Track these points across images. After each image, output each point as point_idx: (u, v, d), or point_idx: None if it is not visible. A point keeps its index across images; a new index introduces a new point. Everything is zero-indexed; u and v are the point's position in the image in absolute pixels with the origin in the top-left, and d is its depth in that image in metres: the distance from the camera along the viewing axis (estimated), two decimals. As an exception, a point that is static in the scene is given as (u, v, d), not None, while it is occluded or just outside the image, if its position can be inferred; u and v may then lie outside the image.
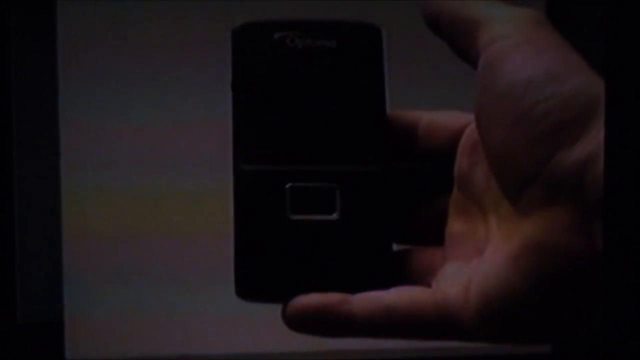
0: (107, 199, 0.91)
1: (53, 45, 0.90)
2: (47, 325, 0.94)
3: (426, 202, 0.39)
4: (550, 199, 0.32)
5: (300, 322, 0.36)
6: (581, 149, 0.31)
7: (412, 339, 0.36)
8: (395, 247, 0.38)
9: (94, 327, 0.91)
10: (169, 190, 0.92)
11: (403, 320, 0.35)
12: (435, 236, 0.38)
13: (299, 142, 0.38)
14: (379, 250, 0.38)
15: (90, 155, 0.91)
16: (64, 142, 0.91)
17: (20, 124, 0.96)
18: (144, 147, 0.91)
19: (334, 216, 0.38)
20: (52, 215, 0.93)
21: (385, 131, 0.39)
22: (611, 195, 0.24)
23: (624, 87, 0.24)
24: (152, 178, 0.91)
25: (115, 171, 0.91)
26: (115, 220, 0.91)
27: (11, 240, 0.95)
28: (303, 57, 0.39)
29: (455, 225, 0.37)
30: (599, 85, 0.32)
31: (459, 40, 0.36)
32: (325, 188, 0.38)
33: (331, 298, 0.36)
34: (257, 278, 0.37)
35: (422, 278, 0.37)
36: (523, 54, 0.33)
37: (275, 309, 0.37)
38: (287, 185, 0.38)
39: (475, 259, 0.36)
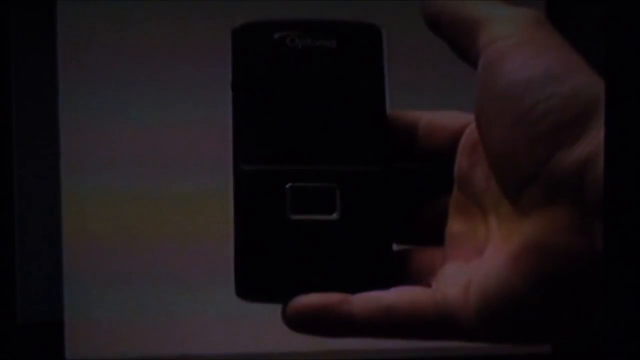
0: (107, 198, 0.91)
1: (53, 45, 0.90)
2: (47, 325, 0.94)
3: (426, 202, 0.39)
4: (550, 199, 0.32)
5: (300, 322, 0.36)
6: (581, 149, 0.31)
7: (412, 339, 0.36)
8: (395, 247, 0.38)
9: (94, 327, 0.91)
10: (168, 190, 0.92)
11: (403, 320, 0.35)
12: (435, 236, 0.38)
13: (298, 142, 0.38)
14: (379, 250, 0.38)
15: (90, 155, 0.91)
16: (64, 142, 0.91)
17: (20, 124, 0.96)
18: (143, 146, 0.91)
19: (334, 216, 0.38)
20: (52, 215, 0.93)
21: (385, 131, 0.39)
22: (611, 195, 0.24)
23: (624, 87, 0.24)
24: (152, 178, 0.91)
25: (115, 171, 0.91)
26: (115, 220, 0.91)
27: (11, 240, 0.95)
28: (303, 57, 0.39)
29: (455, 225, 0.37)
30: (599, 85, 0.32)
31: (459, 40, 0.36)
32: (325, 188, 0.38)
33: (331, 298, 0.36)
34: (257, 278, 0.37)
35: (422, 278, 0.37)
36: (523, 54, 0.33)
37: (275, 309, 0.37)
38: (287, 185, 0.38)
39: (475, 259, 0.36)
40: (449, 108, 0.39)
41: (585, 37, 0.51)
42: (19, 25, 0.95)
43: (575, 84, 0.32)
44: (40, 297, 0.96)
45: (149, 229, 0.91)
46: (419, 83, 0.90)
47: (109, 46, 0.91)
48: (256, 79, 0.38)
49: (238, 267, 0.37)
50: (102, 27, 0.91)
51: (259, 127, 0.38)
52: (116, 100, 0.91)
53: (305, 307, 0.36)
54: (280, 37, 0.39)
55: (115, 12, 0.91)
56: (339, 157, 0.38)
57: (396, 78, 0.40)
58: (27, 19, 0.95)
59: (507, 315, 0.33)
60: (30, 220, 0.96)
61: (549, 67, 0.33)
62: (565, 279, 0.32)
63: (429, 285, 0.37)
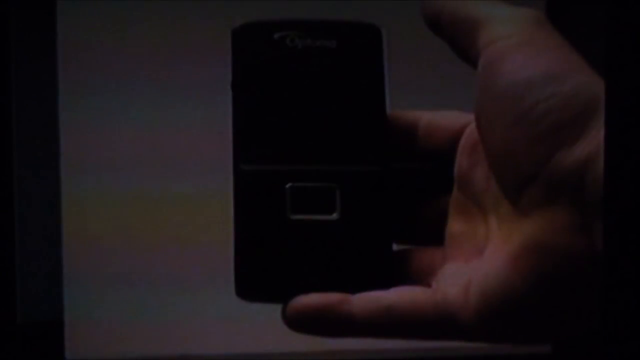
0: (107, 198, 0.91)
1: (53, 45, 0.90)
2: (47, 325, 0.94)
3: (426, 202, 0.39)
4: (550, 199, 0.32)
5: (300, 322, 0.36)
6: (581, 149, 0.31)
7: (412, 339, 0.36)
8: (395, 247, 0.38)
9: (94, 327, 0.91)
10: (168, 190, 0.91)
11: (403, 320, 0.35)
12: (435, 236, 0.38)
13: (299, 142, 0.38)
14: (379, 250, 0.38)
15: (90, 155, 0.91)
16: (64, 142, 0.91)
17: (20, 124, 0.96)
18: (143, 146, 0.91)
19: (334, 216, 0.38)
20: (52, 215, 0.93)
21: (385, 131, 0.39)
22: (611, 195, 0.24)
23: (624, 87, 0.24)
24: (152, 177, 0.91)
25: (115, 171, 0.91)
26: (115, 220, 0.91)
27: (11, 240, 0.95)
28: (303, 57, 0.39)
29: (455, 225, 0.37)
30: (599, 85, 0.32)
31: (459, 40, 0.36)
32: (325, 188, 0.38)
33: (331, 298, 0.36)
34: (257, 278, 0.37)
35: (422, 278, 0.37)
36: (523, 54, 0.33)
37: (275, 309, 0.37)
38: (287, 185, 0.38)
39: (475, 259, 0.36)
40: (449, 108, 0.39)
41: (585, 37, 0.50)
42: (19, 25, 0.95)
43: (575, 84, 0.32)
44: (40, 297, 0.96)
45: (149, 229, 0.91)
46: (419, 83, 0.90)
47: (109, 46, 0.91)
48: (256, 79, 0.38)
49: (238, 267, 0.37)
50: (102, 27, 0.91)
51: (259, 127, 0.38)
52: (116, 100, 0.91)
53: (305, 307, 0.36)
54: (280, 37, 0.39)
55: (115, 12, 0.91)
56: (339, 157, 0.38)
57: (396, 78, 0.40)
58: (27, 19, 0.95)
59: (507, 315, 0.33)
60: (30, 220, 0.96)
61: (549, 67, 0.33)
62: (565, 279, 0.32)
63: (429, 285, 0.37)
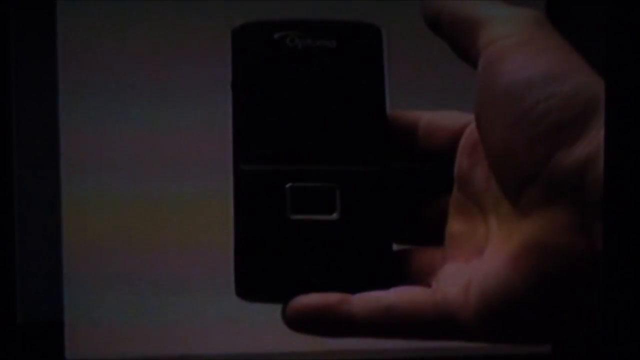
0: (107, 199, 0.91)
1: (53, 45, 0.90)
2: (47, 325, 0.94)
3: (426, 202, 0.39)
4: (550, 199, 0.32)
5: (300, 322, 0.36)
6: (581, 149, 0.31)
7: (412, 339, 0.36)
8: (395, 247, 0.38)
9: (94, 327, 0.91)
10: (168, 190, 0.91)
11: (403, 320, 0.35)
12: (435, 236, 0.38)
13: (298, 142, 0.38)
14: (379, 250, 0.38)
15: (90, 155, 0.91)
16: (64, 142, 0.91)
17: (20, 124, 0.96)
18: (143, 147, 0.91)
19: (334, 216, 0.38)
20: (52, 215, 0.93)
21: (385, 131, 0.39)
22: (611, 195, 0.24)
23: (624, 87, 0.24)
24: (152, 178, 0.91)
25: (115, 171, 0.91)
26: (115, 220, 0.91)
27: (11, 240, 0.95)
28: (303, 57, 0.39)
29: (455, 225, 0.37)
30: (599, 85, 0.32)
31: (459, 40, 0.36)
32: (325, 188, 0.38)
33: (331, 298, 0.36)
34: (257, 278, 0.37)
35: (422, 278, 0.37)
36: (523, 54, 0.33)
37: (275, 309, 0.37)
38: (287, 185, 0.38)
39: (475, 259, 0.36)
40: (449, 108, 0.39)
41: (585, 37, 0.51)
42: (19, 25, 0.95)
43: (575, 84, 0.32)
44: (40, 297, 0.96)
45: (149, 229, 0.91)
46: (419, 83, 0.90)
47: (109, 46, 0.91)
48: (256, 79, 0.38)
49: (238, 267, 0.37)
50: (102, 27, 0.91)
51: (258, 127, 0.38)
52: (116, 100, 0.91)
53: (305, 307, 0.36)
54: (280, 37, 0.39)
55: (115, 12, 0.91)
56: (339, 157, 0.38)
57: (396, 78, 0.40)
58: (27, 19, 0.95)
59: (507, 315, 0.33)
60: (30, 220, 0.96)
61: (549, 67, 0.33)
62: (565, 279, 0.32)
63: (429, 285, 0.37)
